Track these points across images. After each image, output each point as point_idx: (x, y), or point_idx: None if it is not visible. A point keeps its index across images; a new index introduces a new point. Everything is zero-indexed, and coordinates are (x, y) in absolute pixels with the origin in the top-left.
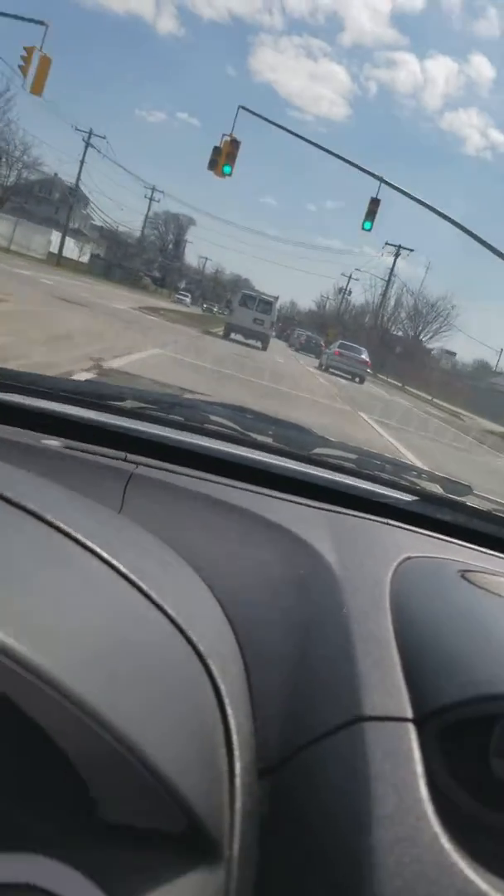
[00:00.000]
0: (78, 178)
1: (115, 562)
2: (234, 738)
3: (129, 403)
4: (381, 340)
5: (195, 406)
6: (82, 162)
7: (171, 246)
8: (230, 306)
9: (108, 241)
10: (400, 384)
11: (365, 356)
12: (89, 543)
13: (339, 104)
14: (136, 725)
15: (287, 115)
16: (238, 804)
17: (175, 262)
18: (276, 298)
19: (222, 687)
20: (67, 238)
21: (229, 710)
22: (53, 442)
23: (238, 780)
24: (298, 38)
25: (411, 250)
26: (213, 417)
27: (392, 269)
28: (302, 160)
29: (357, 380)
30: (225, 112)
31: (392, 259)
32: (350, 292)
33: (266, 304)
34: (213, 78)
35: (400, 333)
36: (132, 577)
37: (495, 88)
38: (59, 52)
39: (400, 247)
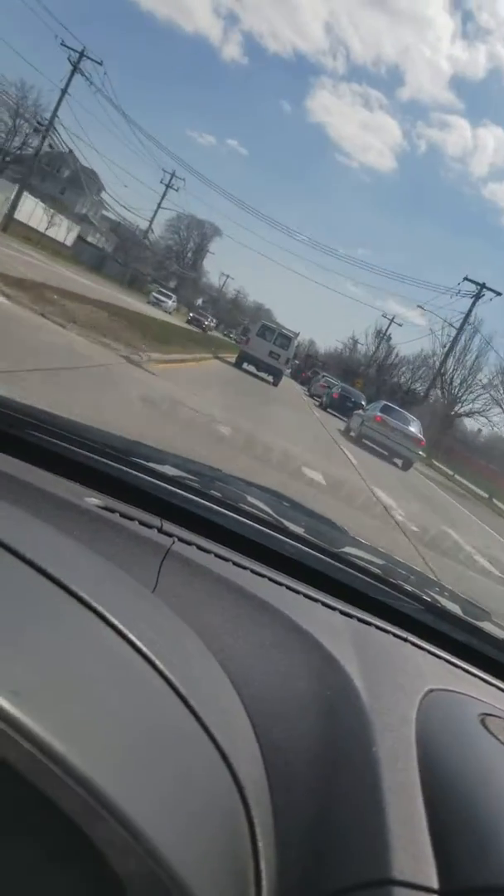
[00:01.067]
0: (55, 112)
1: (164, 668)
2: (264, 876)
3: (169, 470)
4: (436, 411)
5: (233, 484)
6: (64, 91)
7: (189, 254)
8: (247, 335)
9: (119, 238)
10: (482, 491)
11: (417, 429)
12: (138, 642)
13: (386, 156)
14: (172, 845)
15: (334, 158)
16: None
17: (191, 273)
18: (297, 335)
19: (256, 820)
20: (39, 207)
21: (261, 847)
22: (93, 500)
23: None
24: (357, 86)
25: (498, 293)
26: (249, 498)
27: (469, 314)
28: (341, 206)
29: (400, 463)
30: (274, 145)
31: (460, 302)
32: (390, 337)
33: (285, 339)
34: (268, 111)
35: (469, 406)
36: (178, 685)
37: None
38: (123, 58)
39: (483, 287)
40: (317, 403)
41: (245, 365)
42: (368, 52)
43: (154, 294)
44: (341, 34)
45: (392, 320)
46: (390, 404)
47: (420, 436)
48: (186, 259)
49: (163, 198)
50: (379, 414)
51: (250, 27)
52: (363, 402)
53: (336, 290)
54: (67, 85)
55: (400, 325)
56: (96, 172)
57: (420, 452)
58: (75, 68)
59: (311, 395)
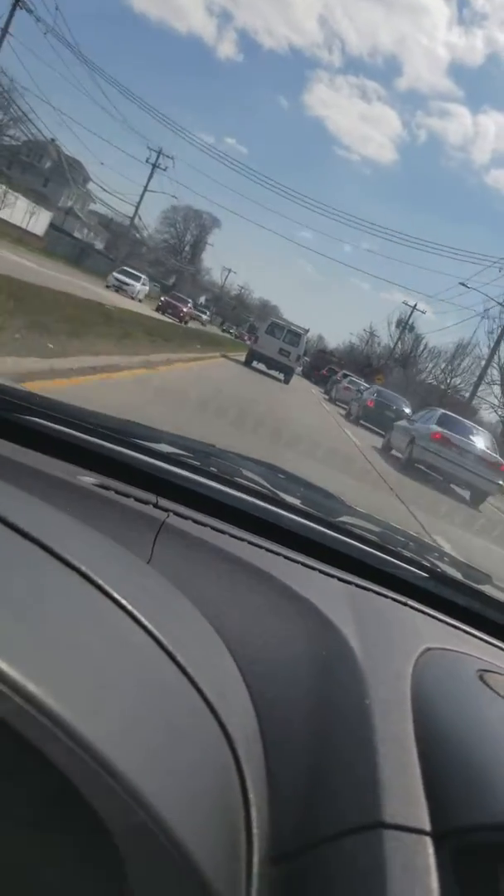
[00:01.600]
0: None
1: (154, 630)
2: (255, 825)
3: (164, 447)
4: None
5: (228, 458)
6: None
7: (187, 248)
8: (255, 332)
9: (111, 234)
10: None
11: (492, 447)
12: (129, 607)
13: (387, 147)
14: (167, 800)
15: (334, 152)
16: (254, 890)
17: (189, 268)
18: (307, 331)
19: (247, 773)
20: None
21: (252, 798)
22: (88, 478)
23: (255, 868)
24: (354, 78)
25: None
26: (244, 472)
27: None
28: (344, 200)
29: (468, 495)
30: (273, 142)
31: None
32: (413, 326)
33: (294, 336)
34: (265, 107)
35: None
36: (169, 646)
37: None
38: (119, 61)
39: None
40: (343, 413)
41: (255, 363)
42: (364, 43)
43: (115, 275)
44: (336, 26)
45: (414, 307)
46: (450, 414)
47: (498, 457)
48: (184, 253)
49: (150, 179)
50: (437, 429)
51: (244, 24)
52: (408, 411)
53: (343, 283)
54: (8, 23)
55: (423, 312)
56: (81, 162)
57: (500, 481)
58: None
59: (333, 401)
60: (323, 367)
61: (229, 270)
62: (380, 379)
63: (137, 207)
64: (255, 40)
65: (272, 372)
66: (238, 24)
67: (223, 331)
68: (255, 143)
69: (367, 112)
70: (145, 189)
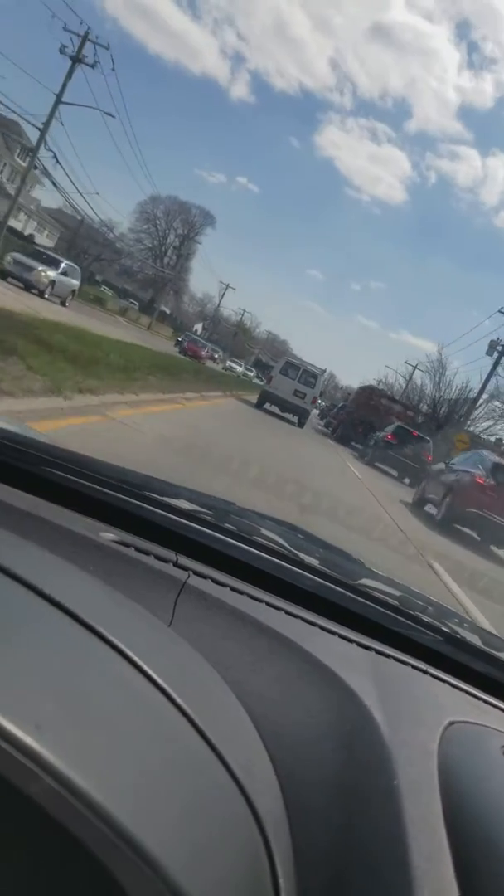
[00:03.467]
0: None
1: (181, 701)
2: None
3: (183, 504)
4: None
5: (247, 517)
6: None
7: (170, 251)
8: (269, 373)
9: (66, 229)
10: None
11: None
12: (153, 675)
13: (396, 188)
14: (197, 882)
15: (344, 192)
16: None
17: (175, 277)
18: (323, 371)
19: (276, 855)
20: None
21: (281, 882)
22: (109, 535)
23: None
24: (365, 120)
25: None
26: (264, 531)
27: None
28: (353, 239)
29: None
30: (284, 181)
31: None
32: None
33: (310, 377)
34: (276, 147)
35: None
36: (195, 718)
37: None
38: (135, 101)
39: None
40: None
41: (267, 405)
42: (375, 86)
43: (12, 257)
44: (347, 70)
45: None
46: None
47: None
48: (167, 259)
49: (68, 77)
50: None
51: (256, 66)
52: None
53: (351, 322)
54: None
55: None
56: (20, 125)
57: None
58: None
59: (419, 504)
60: (370, 418)
61: (227, 286)
62: (462, 443)
63: (43, 132)
64: (267, 82)
65: (286, 415)
66: (251, 66)
67: (244, 371)
68: (266, 183)
69: (377, 153)
70: (60, 96)
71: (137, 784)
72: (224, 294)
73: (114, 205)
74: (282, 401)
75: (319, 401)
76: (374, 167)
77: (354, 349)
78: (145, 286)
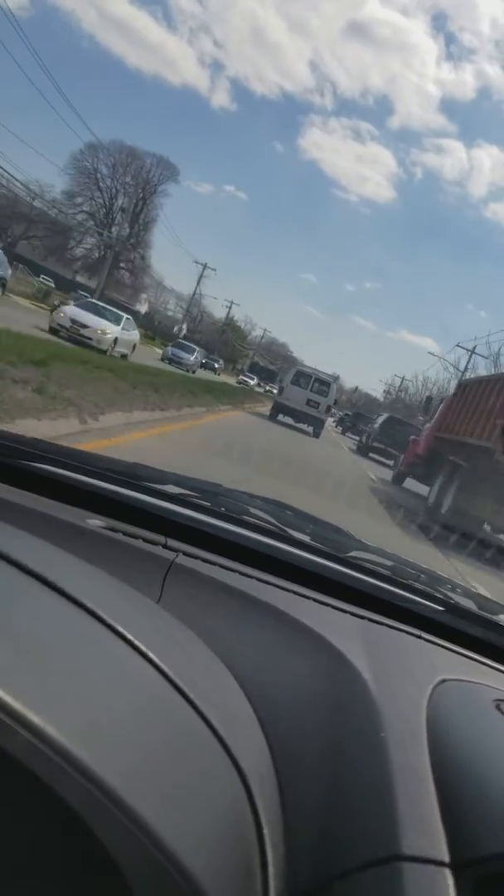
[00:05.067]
0: None
1: (162, 664)
2: (270, 860)
3: (171, 488)
4: None
5: (235, 497)
6: None
7: (119, 217)
8: (281, 384)
9: None
10: None
11: None
12: (135, 641)
13: (384, 186)
14: (179, 836)
15: (332, 193)
16: None
17: (131, 253)
18: (336, 378)
19: (260, 807)
20: None
21: (266, 832)
22: (97, 521)
23: None
24: (347, 120)
25: None
26: (252, 510)
27: None
28: (344, 239)
29: None
30: (272, 186)
31: None
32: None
33: (323, 385)
34: (261, 153)
35: None
36: (176, 680)
37: None
38: (116, 118)
39: None
40: None
41: (280, 416)
42: (355, 85)
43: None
44: (326, 70)
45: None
46: None
47: None
48: (116, 226)
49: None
50: None
51: (236, 73)
52: None
53: (349, 324)
54: None
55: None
56: None
57: None
58: None
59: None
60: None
61: (204, 265)
62: None
63: None
64: (247, 88)
65: (300, 426)
66: (230, 74)
67: (238, 383)
68: (254, 189)
69: (362, 152)
70: None
71: (121, 744)
72: (202, 275)
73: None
74: (295, 411)
75: (333, 409)
76: (360, 167)
77: (354, 351)
78: (92, 268)
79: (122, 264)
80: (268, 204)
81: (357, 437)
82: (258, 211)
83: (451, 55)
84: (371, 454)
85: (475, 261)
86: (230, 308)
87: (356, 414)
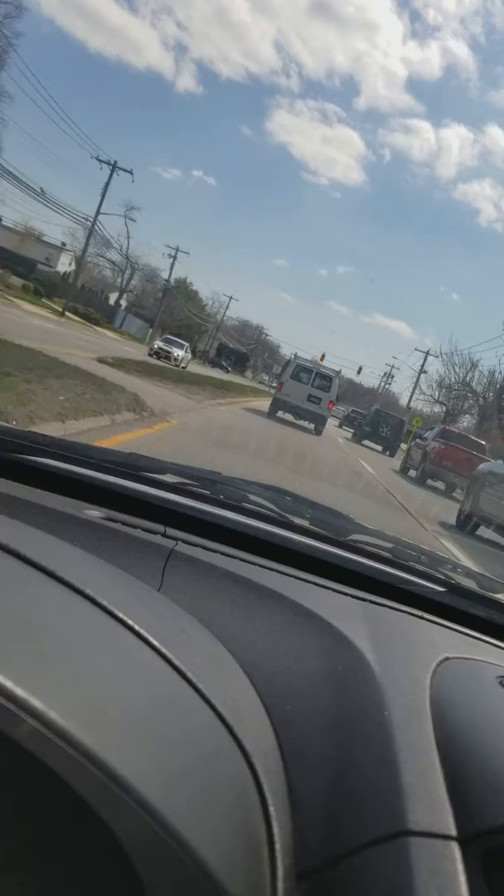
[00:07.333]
0: None
1: (163, 648)
2: (277, 839)
3: (169, 478)
4: None
5: (234, 485)
6: None
7: None
8: (280, 379)
9: None
10: None
11: None
12: (136, 626)
13: (353, 169)
14: (184, 817)
15: (301, 177)
16: None
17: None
18: (338, 373)
19: (266, 786)
20: None
21: (272, 811)
22: (95, 512)
23: (280, 884)
24: (314, 102)
25: None
26: (251, 497)
27: None
28: (315, 224)
29: None
30: (240, 171)
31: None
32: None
33: (324, 380)
34: (228, 137)
35: None
36: (178, 663)
37: None
38: (79, 104)
39: None
40: None
41: (280, 413)
42: (320, 65)
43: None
44: (291, 51)
45: None
46: None
47: None
48: None
49: None
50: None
51: (200, 55)
52: None
53: (323, 308)
54: None
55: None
56: None
57: None
58: None
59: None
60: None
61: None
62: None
63: None
64: (212, 71)
65: (301, 423)
66: (194, 56)
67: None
68: (222, 174)
69: (330, 134)
70: None
71: (125, 730)
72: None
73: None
74: (296, 408)
75: (336, 406)
76: (328, 149)
77: (330, 335)
78: None
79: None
80: (237, 189)
81: (351, 430)
82: (227, 196)
83: (416, 33)
84: (364, 441)
85: (447, 243)
86: (174, 259)
87: (353, 411)
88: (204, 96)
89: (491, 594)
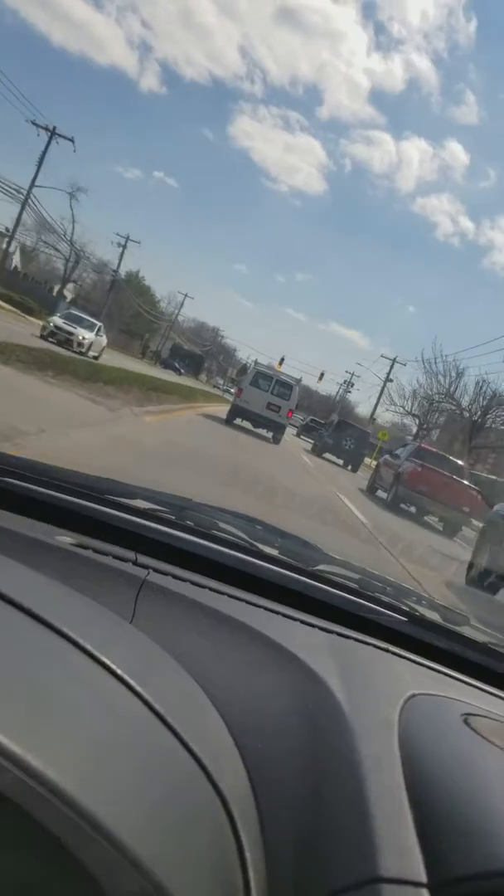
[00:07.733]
0: None
1: (138, 687)
2: (253, 885)
3: (139, 503)
4: None
5: (205, 512)
6: None
7: None
8: (239, 385)
9: None
10: None
11: None
12: (110, 663)
13: (315, 178)
14: (161, 861)
15: (262, 184)
16: None
17: None
18: (298, 381)
19: (242, 832)
20: None
21: (248, 856)
22: (66, 538)
23: None
24: (277, 109)
25: None
26: (222, 525)
27: None
28: (275, 231)
29: None
30: (201, 174)
31: None
32: None
33: (284, 387)
34: (190, 139)
35: None
36: (155, 705)
37: (468, 175)
38: (39, 99)
39: None
40: None
41: (237, 420)
42: (284, 72)
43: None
44: (256, 56)
45: None
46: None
47: None
48: None
49: None
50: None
51: (165, 56)
52: None
53: (280, 315)
54: None
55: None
56: None
57: None
58: None
59: None
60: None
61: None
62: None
63: None
64: (176, 72)
65: (259, 431)
66: (159, 56)
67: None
68: (183, 176)
69: (292, 142)
70: None
71: (105, 774)
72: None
73: None
74: (254, 415)
75: (295, 414)
76: (289, 157)
77: (286, 341)
78: None
79: None
80: (198, 192)
81: (311, 440)
82: (188, 199)
83: (380, 45)
84: (325, 454)
85: (404, 255)
86: (124, 248)
87: (312, 420)
88: (167, 97)
89: (452, 626)
